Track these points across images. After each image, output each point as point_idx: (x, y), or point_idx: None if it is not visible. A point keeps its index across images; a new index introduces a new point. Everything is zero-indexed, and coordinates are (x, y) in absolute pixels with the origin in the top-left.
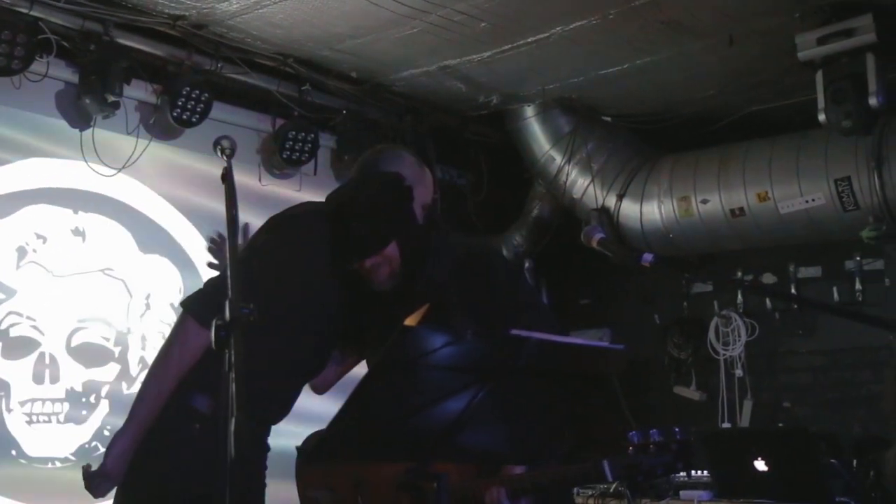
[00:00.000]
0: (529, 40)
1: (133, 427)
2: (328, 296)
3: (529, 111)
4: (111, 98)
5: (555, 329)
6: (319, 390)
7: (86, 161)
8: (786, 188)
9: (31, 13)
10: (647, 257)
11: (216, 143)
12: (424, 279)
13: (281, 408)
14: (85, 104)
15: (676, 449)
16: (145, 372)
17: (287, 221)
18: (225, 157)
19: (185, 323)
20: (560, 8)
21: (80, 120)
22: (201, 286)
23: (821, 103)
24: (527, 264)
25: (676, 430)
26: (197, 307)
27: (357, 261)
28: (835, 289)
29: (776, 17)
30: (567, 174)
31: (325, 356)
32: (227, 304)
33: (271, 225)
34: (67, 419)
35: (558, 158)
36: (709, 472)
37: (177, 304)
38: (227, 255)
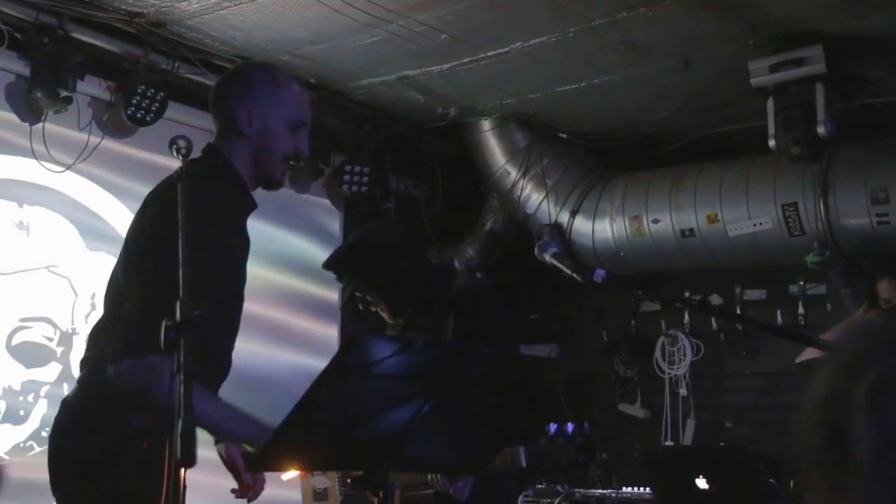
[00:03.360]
0: (489, 54)
1: None
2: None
3: (486, 125)
4: (63, 93)
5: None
6: None
7: (35, 157)
8: (735, 211)
9: None
10: (600, 273)
11: (172, 143)
12: (417, 309)
13: (228, 369)
14: (36, 98)
15: (581, 443)
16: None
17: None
18: (181, 158)
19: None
20: (520, 23)
21: (31, 114)
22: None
23: (771, 129)
24: (478, 276)
25: (586, 425)
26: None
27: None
28: (779, 312)
29: (731, 43)
30: (521, 189)
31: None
32: (177, 304)
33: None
34: (5, 419)
35: (513, 173)
36: (651, 490)
37: None
38: (179, 255)
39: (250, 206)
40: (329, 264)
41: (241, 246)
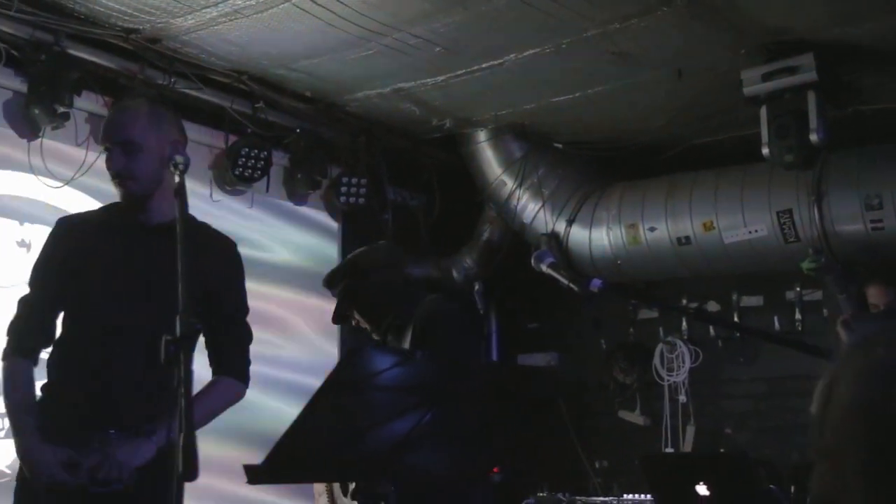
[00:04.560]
0: (483, 66)
1: None
2: None
3: (482, 136)
4: (61, 109)
5: None
6: None
7: (33, 172)
8: (730, 219)
9: None
10: (597, 283)
11: (170, 159)
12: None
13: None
14: (34, 114)
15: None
16: None
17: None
18: (178, 173)
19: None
20: (514, 36)
21: (29, 130)
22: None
23: (764, 137)
24: (476, 287)
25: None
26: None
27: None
28: (776, 318)
29: (723, 52)
30: (518, 199)
31: None
32: (177, 319)
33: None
34: (7, 434)
35: (510, 183)
36: (651, 496)
37: None
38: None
39: (116, 225)
40: (323, 281)
41: (97, 265)
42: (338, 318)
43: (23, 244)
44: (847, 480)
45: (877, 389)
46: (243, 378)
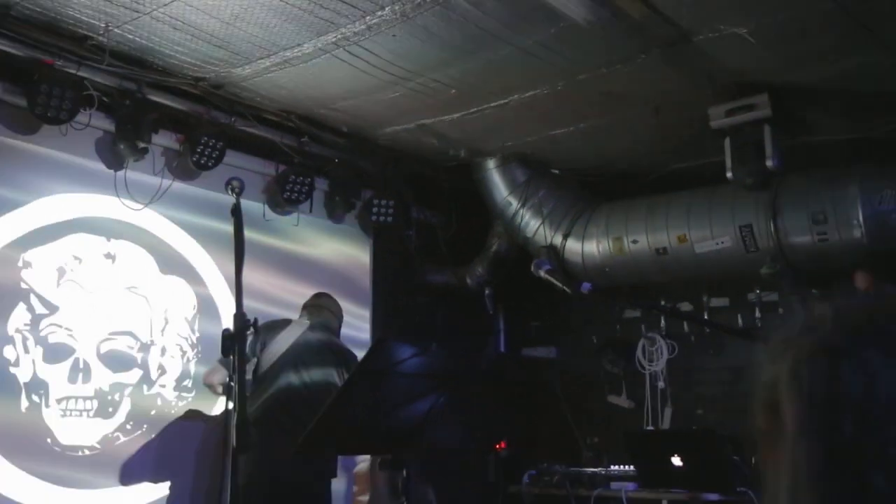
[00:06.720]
0: (492, 105)
1: None
2: None
3: (491, 163)
4: (141, 144)
5: None
6: None
7: (118, 197)
8: (700, 232)
9: (79, 73)
10: (586, 286)
11: (228, 183)
12: None
13: None
14: (120, 149)
15: None
16: (164, 375)
17: None
18: (235, 195)
19: None
20: (517, 80)
21: (115, 162)
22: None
23: (728, 164)
24: (487, 291)
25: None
26: None
27: None
28: (739, 316)
29: (693, 92)
30: (521, 217)
31: None
32: (233, 316)
33: None
34: (96, 414)
35: (514, 203)
36: (634, 467)
37: (191, 318)
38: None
39: None
40: None
41: None
42: None
43: (109, 256)
44: (795, 465)
45: (772, 366)
46: None
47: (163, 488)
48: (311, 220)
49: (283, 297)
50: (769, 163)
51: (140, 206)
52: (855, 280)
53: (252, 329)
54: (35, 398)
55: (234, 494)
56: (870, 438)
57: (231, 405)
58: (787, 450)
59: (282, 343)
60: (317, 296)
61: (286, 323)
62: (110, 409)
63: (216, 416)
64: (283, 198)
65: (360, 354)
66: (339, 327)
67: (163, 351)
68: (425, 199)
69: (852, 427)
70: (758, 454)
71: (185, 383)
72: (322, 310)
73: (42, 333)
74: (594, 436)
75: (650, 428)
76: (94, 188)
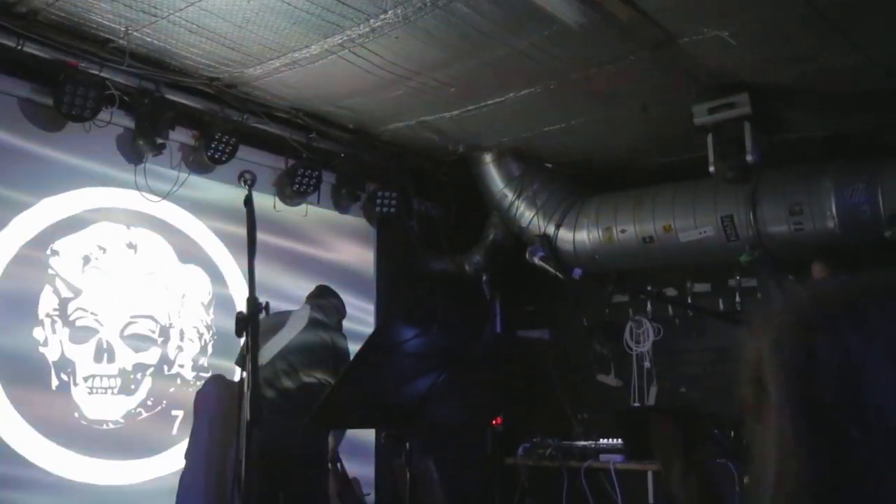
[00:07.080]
0: (489, 103)
1: None
2: None
3: (488, 158)
4: (159, 140)
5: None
6: None
7: (138, 189)
8: (685, 222)
9: (101, 74)
10: (577, 272)
11: (241, 176)
12: None
13: None
14: (139, 145)
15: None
16: (182, 356)
17: None
18: (247, 187)
19: None
20: (513, 79)
21: (135, 157)
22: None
23: (711, 158)
24: (484, 278)
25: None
26: None
27: None
28: (720, 300)
29: (678, 91)
30: (517, 208)
31: None
32: (246, 300)
33: None
34: (119, 391)
35: (510, 195)
36: (622, 441)
37: (206, 304)
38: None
39: None
40: None
41: None
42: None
43: (130, 245)
44: (781, 431)
45: (800, 346)
46: None
47: (180, 460)
48: (318, 212)
49: (289, 287)
50: (749, 158)
51: (159, 199)
52: (812, 271)
53: (264, 312)
54: (63, 377)
55: (249, 464)
56: (847, 401)
57: (245, 376)
58: (773, 417)
59: (278, 341)
60: (320, 290)
61: (286, 315)
62: (132, 387)
63: (230, 385)
64: (292, 190)
65: (363, 342)
66: (341, 321)
67: (181, 334)
68: (426, 191)
69: (831, 395)
70: (746, 426)
71: (201, 362)
72: (323, 307)
73: (70, 317)
74: (584, 412)
75: (637, 405)
76: (115, 182)
